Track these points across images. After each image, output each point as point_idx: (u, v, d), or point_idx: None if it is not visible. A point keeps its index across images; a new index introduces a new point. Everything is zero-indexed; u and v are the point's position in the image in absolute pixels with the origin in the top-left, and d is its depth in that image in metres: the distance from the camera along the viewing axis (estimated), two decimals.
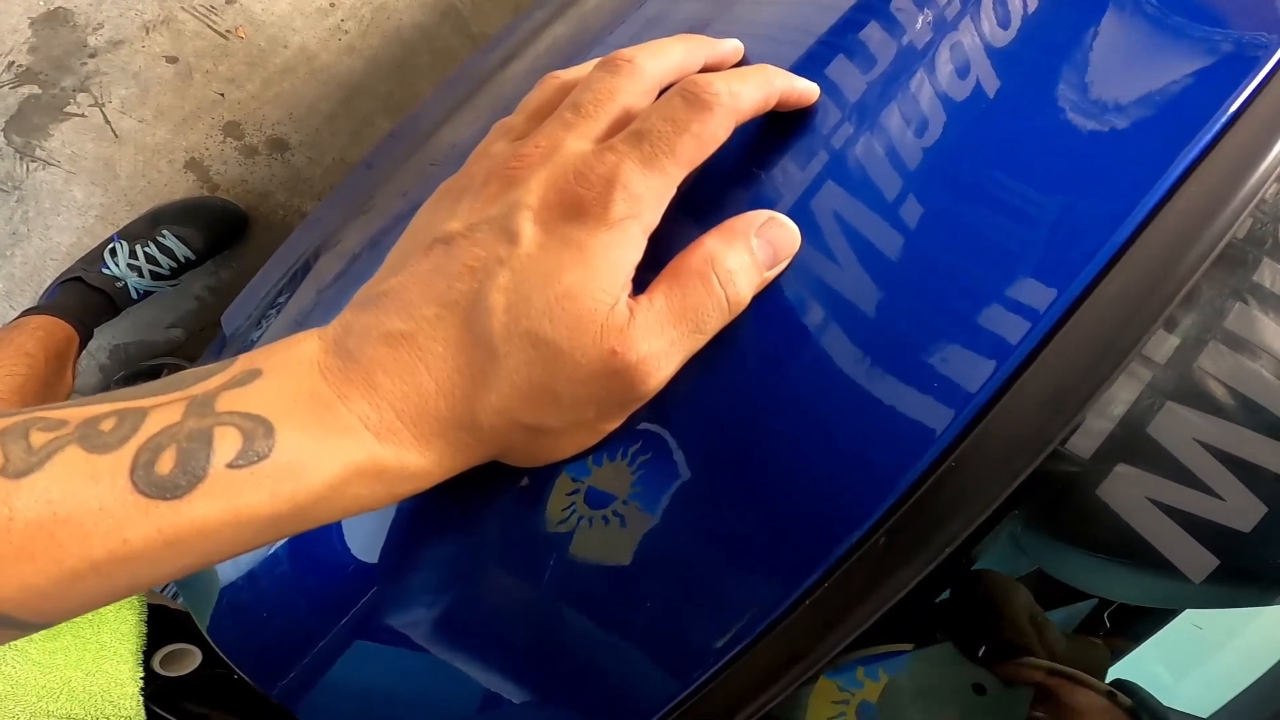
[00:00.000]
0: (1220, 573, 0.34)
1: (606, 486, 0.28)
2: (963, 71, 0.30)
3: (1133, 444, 0.33)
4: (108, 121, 1.07)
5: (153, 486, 0.20)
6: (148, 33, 1.07)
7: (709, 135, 0.25)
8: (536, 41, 0.50)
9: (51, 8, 1.05)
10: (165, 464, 0.20)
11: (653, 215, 0.25)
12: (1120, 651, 0.47)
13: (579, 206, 0.24)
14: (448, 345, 0.24)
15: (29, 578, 0.19)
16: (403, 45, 1.12)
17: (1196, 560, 0.34)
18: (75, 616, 0.21)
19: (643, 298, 0.25)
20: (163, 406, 0.22)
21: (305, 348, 0.24)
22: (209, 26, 1.08)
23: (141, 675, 0.58)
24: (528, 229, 0.24)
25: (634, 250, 0.24)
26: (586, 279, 0.23)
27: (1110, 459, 0.34)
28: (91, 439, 0.20)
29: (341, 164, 1.12)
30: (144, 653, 0.59)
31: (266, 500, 0.21)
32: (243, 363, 0.23)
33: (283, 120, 1.10)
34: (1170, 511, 0.34)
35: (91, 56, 1.06)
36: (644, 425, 0.28)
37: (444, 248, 0.25)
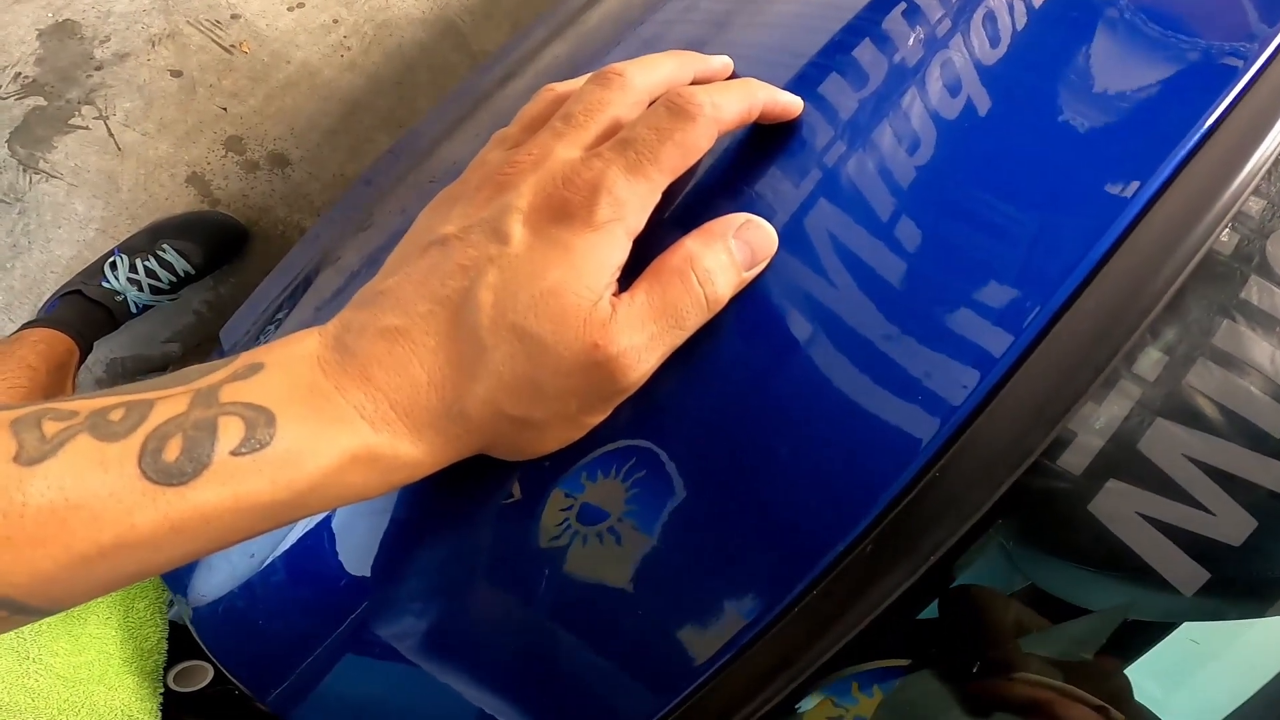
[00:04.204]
0: (1211, 586, 0.34)
1: (600, 503, 0.28)
2: (949, 90, 0.31)
3: (1123, 460, 0.34)
4: (111, 134, 1.08)
5: (160, 473, 0.21)
6: (153, 46, 1.08)
7: (691, 144, 0.26)
8: (536, 60, 0.51)
9: (60, 19, 1.06)
10: (172, 451, 0.21)
11: (637, 219, 0.26)
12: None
13: (566, 210, 0.25)
14: (439, 339, 0.25)
15: (39, 562, 0.20)
16: (404, 62, 1.13)
17: (1187, 574, 0.34)
18: (82, 603, 0.22)
19: (625, 295, 0.26)
20: (169, 398, 0.22)
21: (306, 344, 0.25)
22: (214, 41, 1.09)
23: (161, 690, 0.58)
24: (517, 230, 0.25)
25: (618, 251, 0.26)
26: (571, 276, 0.25)
27: (1101, 475, 0.34)
28: (101, 428, 0.21)
29: (341, 179, 1.13)
30: (163, 669, 0.59)
31: (267, 487, 0.22)
32: (245, 358, 0.24)
33: (284, 135, 1.11)
34: (1161, 526, 0.34)
35: (97, 69, 1.07)
36: (636, 442, 0.28)
37: (439, 249, 0.26)
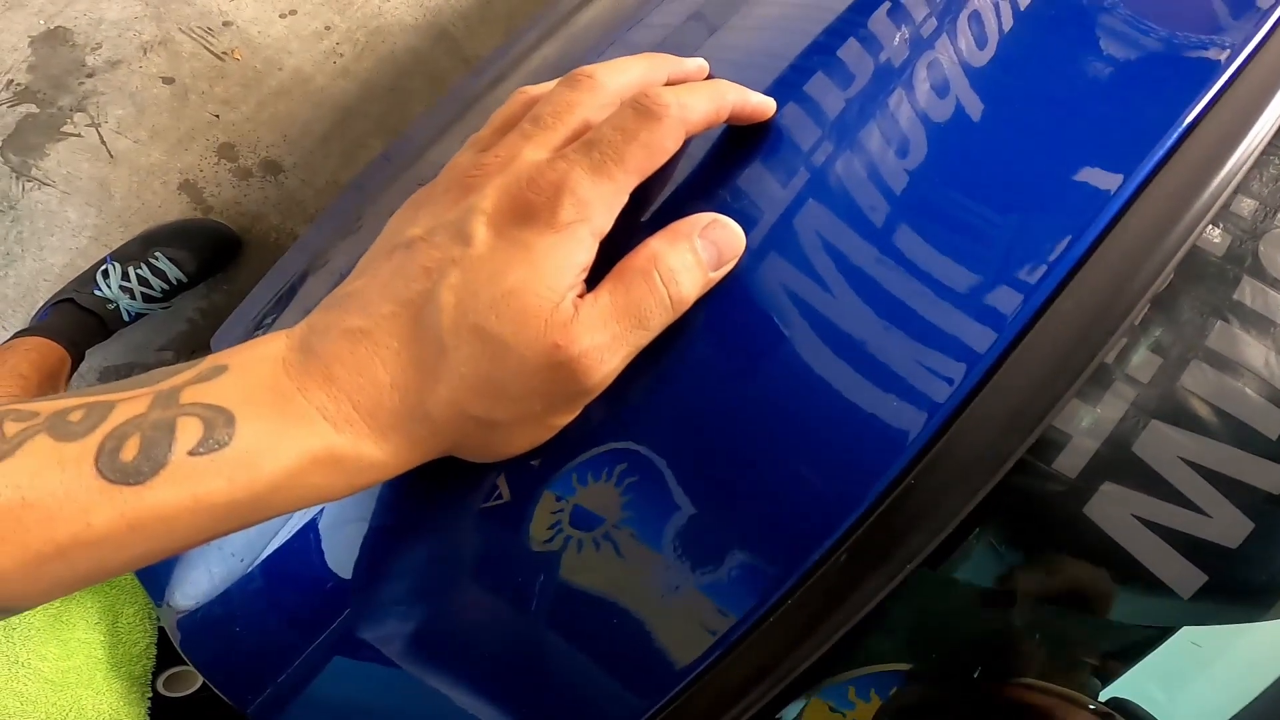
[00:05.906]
0: (1209, 589, 0.34)
1: (594, 507, 0.28)
2: (935, 90, 0.30)
3: (1118, 462, 0.33)
4: (103, 141, 1.08)
5: (116, 472, 0.21)
6: (145, 53, 1.08)
7: (657, 144, 0.26)
8: (525, 63, 0.51)
9: (52, 26, 1.06)
10: (129, 451, 0.21)
11: (602, 220, 0.26)
12: (1116, 671, 0.46)
13: (529, 211, 0.25)
14: (402, 340, 0.25)
15: None
16: (397, 68, 1.13)
17: (1185, 576, 0.34)
18: (43, 602, 0.22)
19: (589, 295, 0.26)
20: (130, 399, 0.23)
21: (272, 346, 0.25)
22: (206, 48, 1.09)
23: (150, 695, 0.59)
24: (480, 232, 0.25)
25: (582, 252, 0.25)
26: (532, 277, 0.25)
27: (1096, 478, 0.34)
28: (60, 429, 0.22)
29: (335, 186, 1.13)
30: (152, 674, 0.60)
31: (225, 486, 0.22)
32: (211, 360, 0.24)
33: (277, 142, 1.11)
34: (1157, 529, 0.34)
35: (89, 76, 1.07)
36: (625, 445, 0.28)
37: (404, 251, 0.26)
